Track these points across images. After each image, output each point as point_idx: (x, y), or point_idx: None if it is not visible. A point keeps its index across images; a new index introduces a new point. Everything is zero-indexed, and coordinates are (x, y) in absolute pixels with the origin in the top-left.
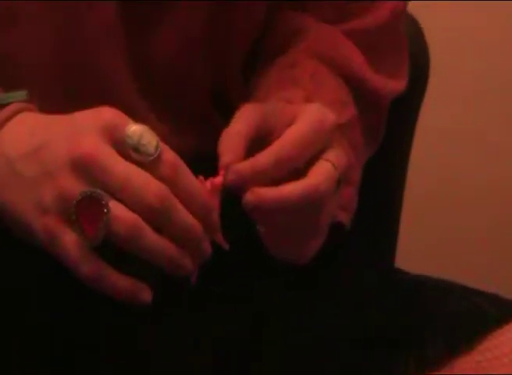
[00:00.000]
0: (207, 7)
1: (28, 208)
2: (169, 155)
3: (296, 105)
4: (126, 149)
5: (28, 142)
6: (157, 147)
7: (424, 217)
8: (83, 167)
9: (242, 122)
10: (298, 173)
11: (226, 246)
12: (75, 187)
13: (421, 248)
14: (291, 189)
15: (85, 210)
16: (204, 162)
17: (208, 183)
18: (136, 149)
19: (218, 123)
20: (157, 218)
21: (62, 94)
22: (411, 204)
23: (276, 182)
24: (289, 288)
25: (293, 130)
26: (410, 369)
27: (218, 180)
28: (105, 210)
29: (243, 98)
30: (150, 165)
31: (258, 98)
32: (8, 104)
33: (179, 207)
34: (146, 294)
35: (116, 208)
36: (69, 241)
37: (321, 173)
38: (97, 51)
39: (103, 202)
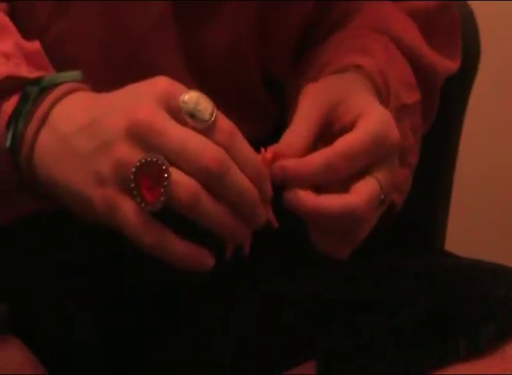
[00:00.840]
0: (256, 4)
1: (86, 181)
2: (225, 122)
3: (365, 104)
4: (181, 116)
5: (82, 116)
6: (212, 113)
7: (475, 200)
8: (139, 134)
9: (305, 119)
10: (342, 181)
11: (276, 223)
12: (132, 155)
13: (471, 231)
14: (331, 203)
15: (144, 177)
16: (257, 149)
17: (260, 156)
18: (192, 115)
19: (270, 109)
20: (214, 182)
21: (110, 87)
22: (461, 186)
23: (318, 187)
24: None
25: (352, 138)
26: (461, 354)
27: (267, 156)
28: (166, 175)
29: (296, 78)
30: (205, 131)
31: (329, 61)
32: (61, 83)
33: (237, 171)
34: (208, 259)
35: (176, 174)
36: (128, 209)
37: (365, 192)
38: (147, 45)
39: (163, 167)
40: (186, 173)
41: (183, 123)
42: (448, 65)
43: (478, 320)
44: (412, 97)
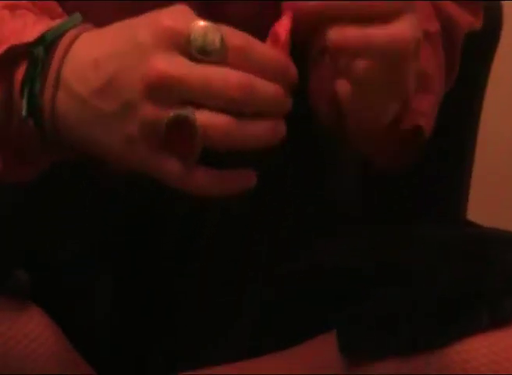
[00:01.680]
0: None
1: (115, 142)
2: (235, 39)
3: None
4: (193, 53)
5: (96, 77)
6: (221, 39)
7: (498, 169)
8: (160, 88)
9: None
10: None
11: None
12: (158, 113)
13: (493, 201)
14: (377, 31)
15: (175, 131)
16: None
17: (279, 30)
18: (203, 51)
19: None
20: (244, 107)
21: None
22: (484, 155)
23: None
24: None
25: None
26: (484, 323)
27: (285, 23)
28: (196, 123)
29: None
30: (220, 58)
31: None
32: (65, 32)
33: (262, 86)
34: (253, 179)
35: (205, 117)
36: (167, 165)
37: (405, 21)
38: None
39: (191, 116)
40: (215, 109)
41: (196, 60)
42: (468, 19)
43: (500, 290)
44: (434, 26)
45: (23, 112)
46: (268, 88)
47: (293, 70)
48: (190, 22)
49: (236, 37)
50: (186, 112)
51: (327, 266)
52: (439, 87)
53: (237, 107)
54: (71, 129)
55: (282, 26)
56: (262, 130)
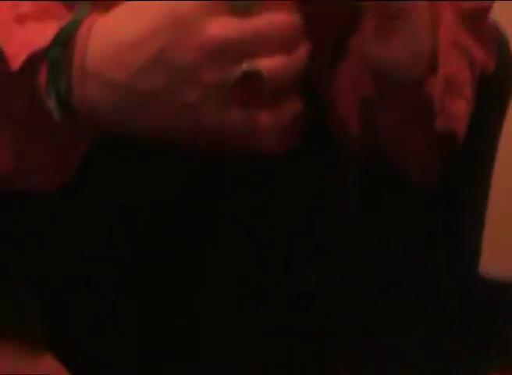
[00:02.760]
0: None
1: (170, 113)
2: None
3: None
4: (238, 10)
5: (137, 58)
6: None
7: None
8: (220, 52)
9: None
10: None
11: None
12: (223, 72)
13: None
14: None
15: (241, 86)
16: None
17: None
18: (245, 7)
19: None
20: (292, 42)
21: None
22: (497, 206)
23: None
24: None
25: None
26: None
27: None
28: (263, 74)
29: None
30: (259, 8)
31: None
32: (79, 25)
33: (297, 21)
34: (299, 105)
35: (268, 65)
36: (236, 118)
37: None
38: None
39: (258, 70)
40: (271, 53)
41: (241, 15)
42: (484, 58)
43: (509, 341)
44: (466, 39)
45: (55, 115)
46: (298, 19)
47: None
48: None
49: None
50: (252, 66)
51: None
52: (470, 94)
53: (287, 45)
54: (110, 116)
55: None
56: (303, 56)
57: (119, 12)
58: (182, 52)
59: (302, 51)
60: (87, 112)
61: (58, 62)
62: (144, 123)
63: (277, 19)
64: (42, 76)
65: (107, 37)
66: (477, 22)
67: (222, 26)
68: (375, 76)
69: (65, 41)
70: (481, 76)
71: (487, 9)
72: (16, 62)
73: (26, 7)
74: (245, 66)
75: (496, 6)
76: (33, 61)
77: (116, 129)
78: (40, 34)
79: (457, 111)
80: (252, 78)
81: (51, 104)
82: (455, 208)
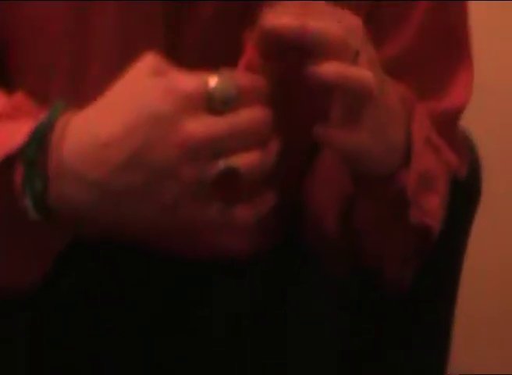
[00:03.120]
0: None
1: (146, 212)
2: (245, 81)
3: None
4: (216, 106)
5: (109, 156)
6: (235, 84)
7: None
8: (197, 150)
9: None
10: None
11: None
12: (200, 171)
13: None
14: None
15: (220, 184)
16: None
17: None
18: (224, 102)
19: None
20: (265, 136)
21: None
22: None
23: None
24: None
25: None
26: None
27: (248, 52)
28: (240, 171)
29: None
30: (238, 102)
31: None
32: (54, 123)
33: (268, 115)
34: (274, 197)
35: (244, 161)
36: (211, 213)
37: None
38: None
39: (236, 167)
40: (245, 148)
41: (219, 112)
42: (457, 162)
43: None
44: (436, 137)
45: (31, 214)
46: (268, 113)
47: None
48: (203, 79)
49: (245, 78)
50: (229, 163)
51: None
52: (444, 189)
53: (259, 139)
54: (87, 214)
55: (244, 58)
56: (274, 150)
57: (94, 111)
58: (159, 151)
59: (274, 145)
60: (63, 210)
61: (33, 163)
62: (121, 221)
63: (252, 115)
64: (18, 176)
65: (82, 135)
66: (447, 126)
67: (200, 125)
68: (350, 171)
69: (40, 141)
70: (453, 181)
71: (457, 114)
72: None
73: None
74: (222, 163)
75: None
76: (8, 162)
77: (93, 227)
78: (15, 134)
79: (431, 205)
80: (229, 174)
81: (27, 203)
82: (422, 317)
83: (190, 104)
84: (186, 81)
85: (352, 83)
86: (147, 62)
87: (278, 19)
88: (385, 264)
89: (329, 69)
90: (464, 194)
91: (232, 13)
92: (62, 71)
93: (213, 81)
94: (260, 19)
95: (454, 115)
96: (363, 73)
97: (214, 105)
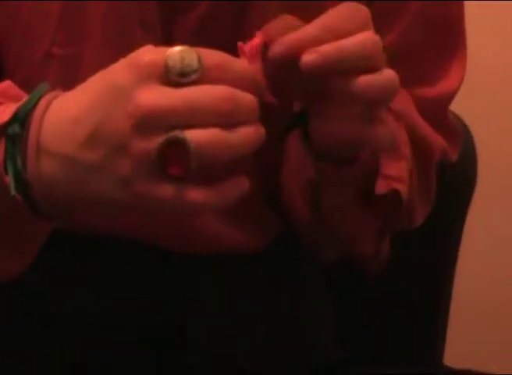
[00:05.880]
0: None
1: (107, 186)
2: (212, 57)
3: None
4: (173, 78)
5: (77, 131)
6: (199, 58)
7: (475, 314)
8: (147, 121)
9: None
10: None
11: (276, 101)
12: (149, 143)
13: (470, 345)
14: (349, 39)
15: (169, 156)
16: None
17: (247, 48)
18: (182, 74)
19: (270, 220)
20: (229, 118)
21: None
22: (461, 299)
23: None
24: None
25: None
26: None
27: (256, 41)
28: (187, 144)
29: None
30: (199, 77)
31: None
32: (37, 103)
33: (243, 96)
34: (246, 184)
35: (196, 135)
36: (163, 191)
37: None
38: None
39: (181, 138)
40: (204, 126)
41: (178, 84)
42: (443, 143)
43: None
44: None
45: (12, 190)
46: (247, 97)
47: (262, 83)
48: (164, 51)
49: (213, 55)
50: (176, 133)
51: None
52: (409, 152)
53: (223, 119)
54: (61, 191)
55: (253, 44)
56: (248, 136)
57: (73, 91)
58: (114, 123)
59: (248, 130)
60: (40, 187)
61: (16, 139)
62: (90, 196)
63: (215, 92)
64: (0, 154)
65: (58, 112)
66: (438, 111)
67: (151, 95)
68: (314, 157)
69: (23, 118)
70: (445, 164)
71: (448, 99)
72: None
73: None
74: (169, 134)
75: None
76: None
77: (68, 205)
78: (1, 114)
79: (398, 171)
80: (180, 148)
81: (9, 180)
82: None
83: (146, 74)
84: (147, 52)
85: (380, 92)
86: (138, 66)
87: (310, 54)
88: (361, 240)
89: (359, 84)
90: (460, 178)
91: (222, 22)
92: (55, 65)
93: (173, 53)
94: (277, 48)
95: (445, 100)
96: (389, 77)
97: (171, 76)
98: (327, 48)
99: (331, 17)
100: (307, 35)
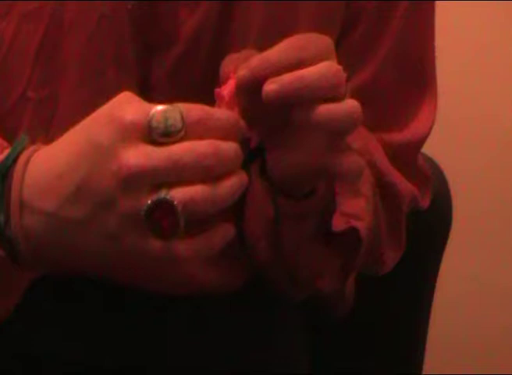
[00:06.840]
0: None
1: (93, 242)
2: (194, 114)
3: None
4: (157, 138)
5: (61, 187)
6: (182, 117)
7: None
8: (133, 181)
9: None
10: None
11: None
12: (136, 202)
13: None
14: (309, 68)
15: (156, 215)
16: None
17: (225, 92)
18: (166, 134)
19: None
20: (214, 171)
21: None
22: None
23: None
24: None
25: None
26: None
27: (232, 84)
28: (174, 204)
29: None
30: (182, 135)
31: None
32: (17, 158)
33: (226, 148)
34: (232, 230)
35: (182, 194)
36: (152, 247)
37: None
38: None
39: (168, 199)
40: (189, 182)
41: (161, 143)
42: (413, 189)
43: None
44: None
45: None
46: (231, 148)
47: (243, 125)
48: (148, 110)
49: (195, 111)
50: (163, 194)
51: None
52: (370, 193)
53: (208, 174)
54: (47, 246)
55: (228, 88)
56: (233, 188)
57: (54, 144)
58: (99, 181)
59: (233, 181)
60: (25, 242)
61: None
62: (77, 251)
63: (197, 149)
64: None
65: (40, 167)
66: (407, 157)
67: (135, 155)
68: (271, 191)
69: (3, 174)
70: (418, 212)
71: (417, 145)
72: None
73: None
74: (156, 195)
75: None
76: None
77: (54, 259)
78: None
79: (356, 209)
80: (168, 208)
81: None
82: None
83: (129, 134)
84: (130, 111)
85: (343, 122)
86: (121, 125)
87: (270, 84)
88: (323, 278)
89: (320, 113)
90: (435, 221)
91: (198, 61)
92: (31, 108)
93: (155, 112)
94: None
95: (414, 145)
96: (352, 105)
97: (154, 136)
98: (287, 78)
99: (293, 39)
100: (268, 58)
